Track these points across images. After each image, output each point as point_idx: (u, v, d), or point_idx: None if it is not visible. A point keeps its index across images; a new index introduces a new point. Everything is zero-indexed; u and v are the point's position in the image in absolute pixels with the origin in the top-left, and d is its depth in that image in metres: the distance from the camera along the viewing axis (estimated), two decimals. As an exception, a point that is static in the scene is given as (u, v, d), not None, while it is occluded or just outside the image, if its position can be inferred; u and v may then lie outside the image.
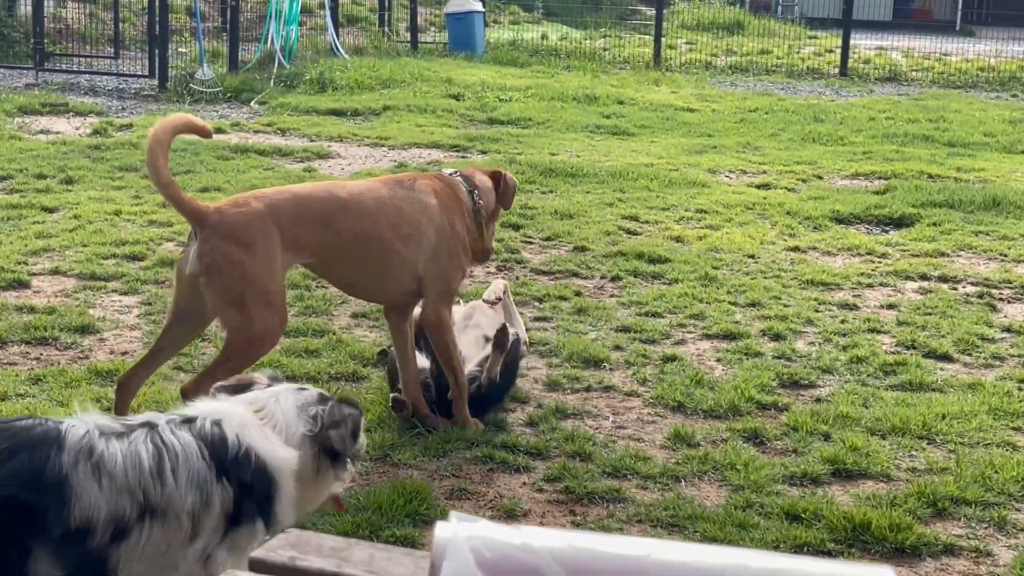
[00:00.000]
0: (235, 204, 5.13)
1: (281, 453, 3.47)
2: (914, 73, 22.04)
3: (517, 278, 8.01)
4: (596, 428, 5.60)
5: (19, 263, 7.74)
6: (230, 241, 4.96)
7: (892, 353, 6.74)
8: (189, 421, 3.44)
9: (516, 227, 9.23)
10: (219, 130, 13.37)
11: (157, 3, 16.72)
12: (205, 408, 3.53)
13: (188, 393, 4.78)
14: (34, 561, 3.18)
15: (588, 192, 10.62)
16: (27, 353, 6.24)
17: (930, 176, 11.79)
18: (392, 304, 5.57)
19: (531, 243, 8.94)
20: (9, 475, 3.16)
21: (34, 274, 7.58)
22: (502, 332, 5.60)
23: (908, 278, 8.33)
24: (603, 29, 25.99)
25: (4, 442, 3.20)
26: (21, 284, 7.35)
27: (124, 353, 6.28)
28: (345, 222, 5.26)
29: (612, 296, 7.71)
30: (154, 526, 3.28)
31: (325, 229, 5.22)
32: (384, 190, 5.44)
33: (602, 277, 8.11)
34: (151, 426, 3.39)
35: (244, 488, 3.39)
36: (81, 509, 3.20)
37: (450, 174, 5.73)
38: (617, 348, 6.67)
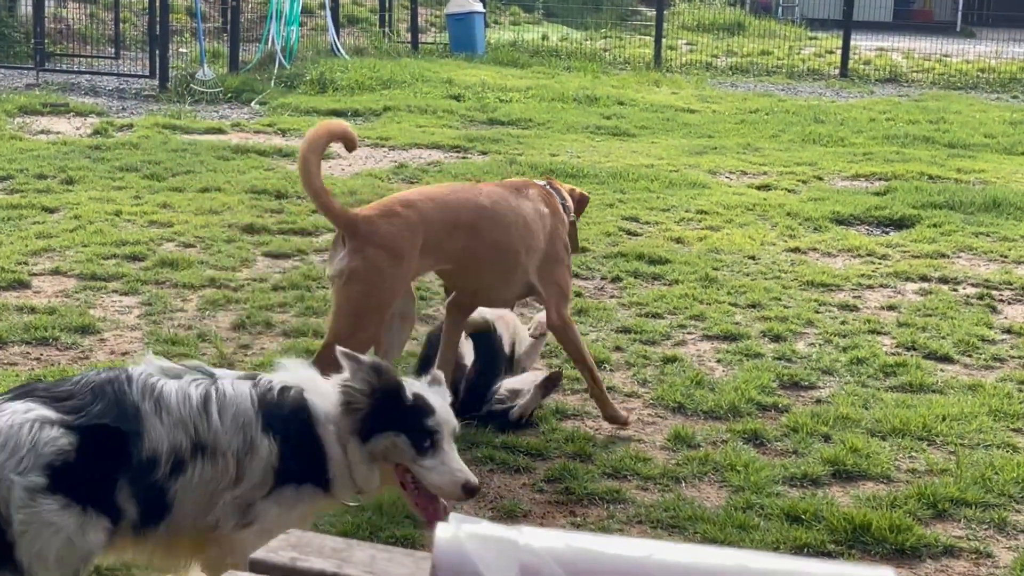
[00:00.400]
0: (385, 213, 5.07)
1: (331, 415, 3.60)
2: (915, 74, 22.04)
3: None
4: (596, 429, 5.60)
5: (20, 263, 7.74)
6: (380, 251, 4.98)
7: (892, 354, 6.74)
8: (252, 377, 3.69)
9: (516, 228, 9.23)
10: (219, 130, 13.39)
11: (158, 3, 16.72)
12: (276, 373, 3.73)
13: None
14: (118, 491, 3.41)
15: (588, 193, 10.60)
16: (27, 353, 6.24)
17: (930, 177, 11.80)
18: (487, 303, 5.64)
19: (531, 244, 8.93)
20: (103, 408, 3.42)
21: (35, 274, 7.58)
22: (553, 378, 5.62)
23: (908, 279, 8.33)
24: (604, 30, 25.99)
25: (89, 384, 3.49)
26: (22, 284, 7.35)
27: (124, 353, 6.29)
28: (486, 231, 5.30)
29: (612, 297, 7.71)
30: (205, 463, 3.51)
31: (469, 238, 5.26)
32: (512, 199, 5.47)
33: (602, 278, 8.12)
34: (210, 375, 3.62)
35: (289, 442, 3.55)
36: (150, 441, 3.46)
37: (543, 185, 5.74)
38: (617, 349, 6.68)
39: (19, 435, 3.32)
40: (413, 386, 3.70)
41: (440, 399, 3.73)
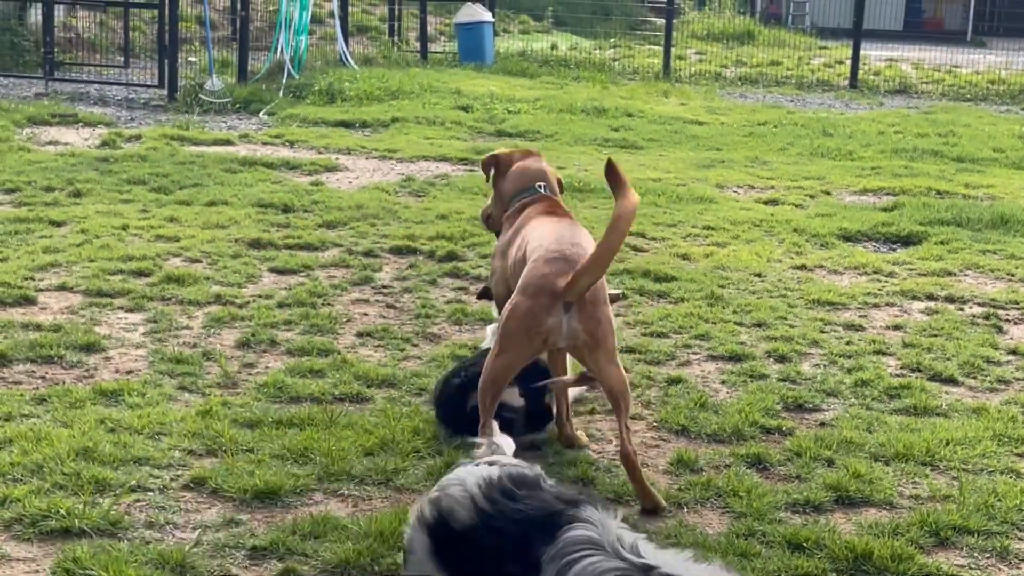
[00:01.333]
0: (584, 272, 5.00)
1: None
2: (924, 85, 22.02)
3: (523, 296, 8.00)
4: (599, 452, 5.60)
5: (26, 279, 7.75)
6: (605, 306, 5.14)
7: (897, 376, 6.72)
8: None
9: (523, 243, 9.22)
10: (227, 142, 13.41)
11: (167, 12, 16.76)
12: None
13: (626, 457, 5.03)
14: None
15: (595, 207, 10.61)
16: (32, 372, 6.25)
17: (938, 192, 11.78)
18: None
19: (537, 260, 8.93)
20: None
21: (41, 290, 7.59)
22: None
23: (915, 298, 8.31)
24: (613, 39, 26.00)
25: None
26: (28, 300, 7.36)
27: (129, 372, 6.29)
28: None
29: (618, 315, 7.69)
30: None
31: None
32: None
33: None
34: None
35: None
36: None
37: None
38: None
39: None
40: None
41: None
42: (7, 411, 5.62)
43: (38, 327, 6.88)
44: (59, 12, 18.78)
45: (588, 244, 5.28)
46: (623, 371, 5.17)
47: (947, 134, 15.80)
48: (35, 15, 18.76)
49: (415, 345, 6.96)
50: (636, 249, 9.28)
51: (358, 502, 4.96)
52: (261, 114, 15.56)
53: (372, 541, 4.54)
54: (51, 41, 17.50)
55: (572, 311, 5.02)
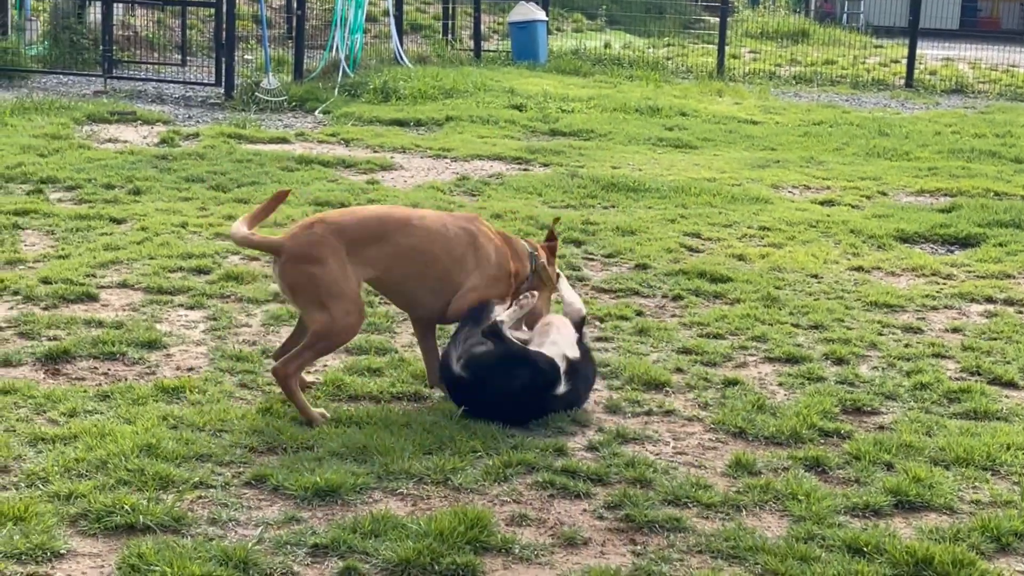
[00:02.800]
0: (302, 226, 5.98)
1: None
2: (981, 85, 21.84)
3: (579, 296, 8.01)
4: (657, 454, 5.60)
5: (88, 276, 7.85)
6: (303, 262, 5.79)
7: (957, 379, 6.68)
8: None
9: (578, 243, 9.25)
10: (283, 140, 13.51)
11: (224, 10, 16.89)
12: None
13: (278, 372, 5.76)
14: None
15: (650, 207, 10.61)
16: (95, 368, 6.33)
17: (996, 194, 11.68)
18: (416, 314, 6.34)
19: (592, 260, 8.95)
20: None
21: (102, 287, 7.68)
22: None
23: (973, 301, 8.25)
24: (666, 38, 25.93)
25: None
26: (90, 297, 7.45)
27: (190, 369, 6.36)
28: (403, 241, 6.02)
29: (673, 316, 7.70)
30: None
31: (386, 248, 5.98)
32: (448, 220, 6.26)
33: (663, 296, 8.11)
34: None
35: None
36: None
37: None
38: (678, 371, 6.67)
39: None
40: None
41: None
42: (71, 407, 5.69)
43: (100, 324, 6.97)
44: (118, 10, 18.97)
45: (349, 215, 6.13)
46: (329, 316, 5.76)
47: (1004, 134, 15.66)
48: (94, 13, 18.95)
49: (472, 344, 6.97)
50: (691, 250, 9.27)
51: (417, 501, 4.99)
52: (317, 112, 15.65)
53: (432, 540, 4.56)
54: (110, 39, 17.69)
55: (276, 264, 5.91)
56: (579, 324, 6.15)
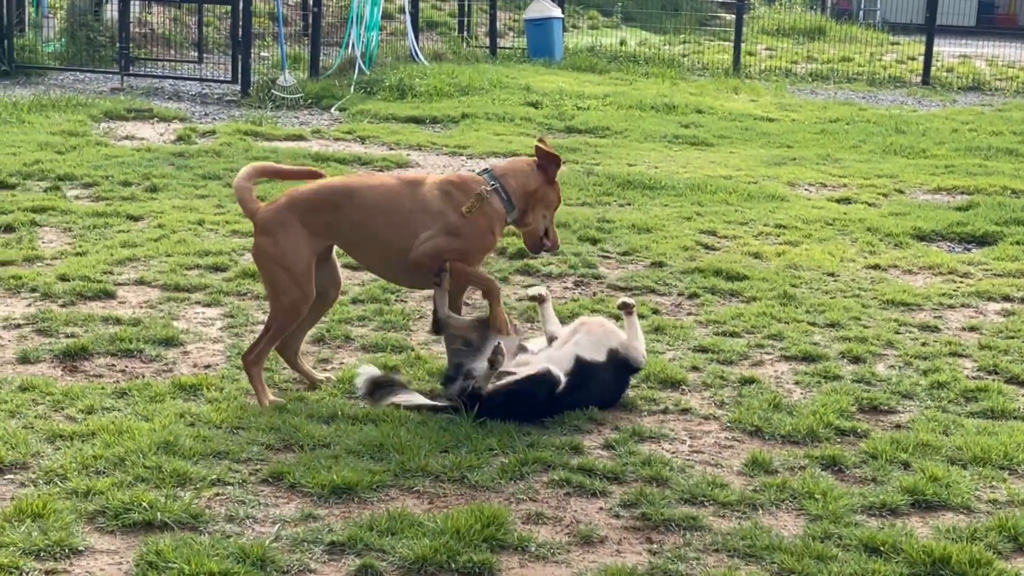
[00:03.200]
0: (270, 203, 6.14)
1: None
2: (998, 82, 21.77)
3: (594, 294, 8.02)
4: (673, 452, 5.60)
5: (105, 273, 7.87)
6: (260, 234, 6.02)
7: (974, 378, 6.66)
8: None
9: (594, 241, 9.24)
10: (299, 137, 13.53)
11: (240, 8, 16.92)
12: None
13: (245, 358, 5.97)
14: None
15: (666, 205, 10.60)
16: (113, 365, 6.35)
17: (1013, 192, 11.64)
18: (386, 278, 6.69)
19: (608, 258, 8.94)
20: None
21: (120, 284, 7.71)
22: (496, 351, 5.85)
23: (991, 299, 8.23)
24: (682, 35, 25.90)
25: None
26: (107, 294, 7.48)
27: (207, 367, 6.38)
28: (350, 210, 6.07)
29: (689, 314, 7.70)
30: None
31: (336, 216, 6.04)
32: (397, 185, 6.22)
33: (679, 294, 8.10)
34: None
35: None
36: None
37: (480, 172, 6.29)
38: (695, 369, 6.66)
39: None
40: None
41: None
42: (89, 404, 5.72)
43: (118, 321, 6.99)
44: (134, 8, 19.02)
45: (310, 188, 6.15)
46: (274, 293, 5.98)
47: (1022, 132, 15.60)
48: (111, 11, 19.01)
49: (488, 342, 6.98)
50: (707, 248, 9.26)
51: (433, 499, 5.00)
52: (333, 110, 15.67)
53: (448, 538, 4.57)
54: (126, 36, 17.74)
55: None
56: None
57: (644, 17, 27.94)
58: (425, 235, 6.01)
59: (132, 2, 18.42)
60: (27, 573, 4.27)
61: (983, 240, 9.85)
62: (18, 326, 6.87)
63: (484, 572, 4.43)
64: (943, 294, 8.24)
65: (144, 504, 4.70)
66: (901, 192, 11.72)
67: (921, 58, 22.10)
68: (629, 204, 10.68)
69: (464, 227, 6.04)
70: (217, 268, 8.12)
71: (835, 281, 8.49)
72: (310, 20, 18.96)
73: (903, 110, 17.83)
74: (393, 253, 6.09)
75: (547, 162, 6.25)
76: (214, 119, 14.72)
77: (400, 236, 6.04)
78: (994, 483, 5.35)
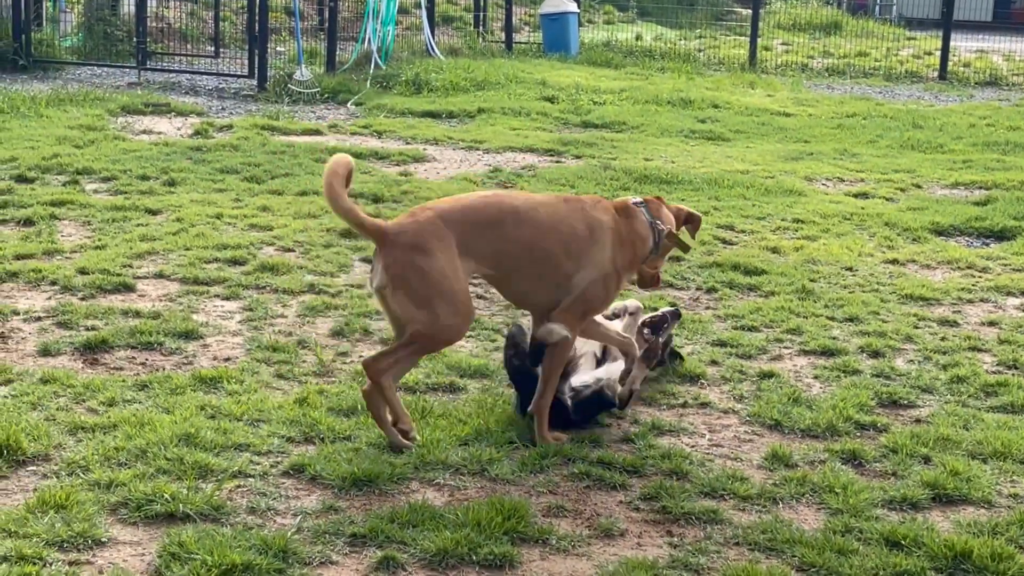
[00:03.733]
0: (408, 214, 5.40)
1: None
2: (1015, 77, 21.69)
3: (612, 288, 8.02)
4: (692, 446, 5.60)
5: (124, 266, 7.90)
6: (410, 250, 5.20)
7: (993, 373, 6.65)
8: None
9: (611, 235, 9.23)
10: (316, 132, 13.54)
11: (257, 2, 16.94)
12: None
13: (368, 367, 5.28)
14: None
15: (683, 200, 10.58)
16: (133, 358, 6.37)
17: (1032, 187, 11.61)
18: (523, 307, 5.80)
19: (626, 252, 8.93)
20: None
21: (139, 277, 7.73)
22: (651, 349, 5.88)
23: (1010, 294, 8.21)
24: (698, 30, 25.87)
25: None
26: (127, 288, 7.50)
27: (227, 360, 6.39)
28: (515, 231, 5.41)
29: (708, 308, 7.70)
30: None
31: (498, 239, 5.39)
32: (560, 206, 5.58)
33: (698, 288, 8.10)
34: None
35: None
36: None
37: (634, 203, 5.76)
38: (713, 363, 6.66)
39: None
40: None
41: None
42: (110, 396, 5.74)
43: (137, 314, 7.02)
44: (151, 2, 19.06)
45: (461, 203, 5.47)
46: (431, 315, 5.20)
47: (1040, 127, 15.55)
48: (128, 6, 19.05)
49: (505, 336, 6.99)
50: (725, 242, 9.25)
51: (454, 491, 5.01)
52: (349, 104, 15.69)
53: (469, 530, 4.58)
54: (143, 31, 17.78)
55: (379, 253, 5.29)
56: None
57: (660, 12, 27.89)
58: (576, 295, 5.49)
59: (149, -3, 18.46)
60: (51, 564, 4.29)
61: (1001, 235, 9.83)
62: (39, 319, 6.90)
63: (505, 565, 4.44)
64: (962, 289, 8.22)
65: (166, 496, 4.72)
66: (919, 187, 11.69)
67: (938, 53, 22.03)
68: (646, 198, 10.66)
69: (623, 261, 5.61)
70: (236, 262, 8.13)
71: (853, 276, 8.48)
72: (326, 15, 18.97)
73: (920, 105, 17.79)
74: (561, 278, 5.47)
75: (690, 221, 6.04)
76: (231, 113, 14.74)
77: (571, 262, 5.47)
78: (1015, 477, 5.35)
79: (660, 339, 6.26)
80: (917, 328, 7.37)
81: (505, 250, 5.38)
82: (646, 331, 6.28)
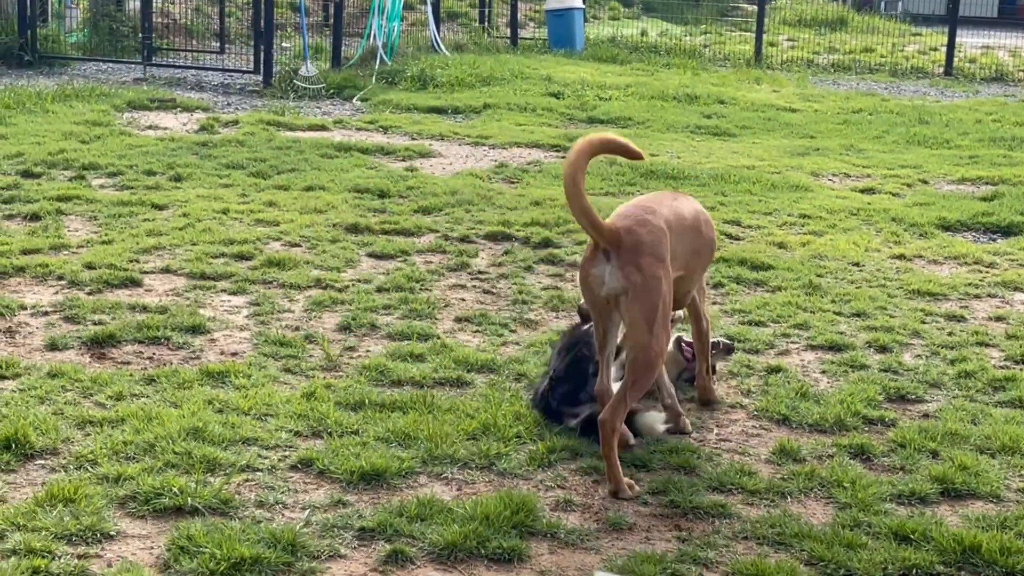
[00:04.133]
0: (640, 223, 5.09)
1: None
2: (1021, 73, 21.67)
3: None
4: (700, 441, 5.60)
5: (131, 261, 7.90)
6: (652, 260, 5.00)
7: (1001, 368, 6.64)
8: None
9: (618, 231, 9.22)
10: (322, 127, 13.54)
11: (262, -1, 16.93)
12: None
13: (606, 424, 4.94)
14: None
15: (690, 195, 10.56)
16: (140, 352, 6.38)
17: (1039, 182, 11.59)
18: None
19: (633, 247, 8.92)
20: None
21: (146, 272, 7.73)
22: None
23: (1017, 289, 8.20)
24: (703, 25, 25.84)
25: None
26: (134, 282, 7.50)
27: (234, 354, 6.40)
28: (703, 234, 5.63)
29: (715, 303, 7.69)
30: None
31: (693, 241, 5.49)
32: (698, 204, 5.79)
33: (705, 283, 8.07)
34: None
35: None
36: None
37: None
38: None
39: None
40: None
41: None
42: (118, 391, 5.74)
43: (144, 308, 7.02)
44: (156, -2, 19.06)
45: (666, 207, 5.33)
46: (657, 340, 4.97)
47: (1046, 123, 15.52)
48: (133, 2, 19.05)
49: (513, 331, 6.99)
50: (732, 237, 9.24)
51: (462, 486, 5.01)
52: (355, 100, 15.68)
53: (478, 524, 4.58)
54: (149, 27, 17.78)
55: (612, 259, 4.99)
56: None
57: (665, 8, 27.85)
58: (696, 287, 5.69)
59: (154, -8, 18.46)
60: (60, 557, 4.29)
61: (1008, 230, 9.81)
62: (46, 313, 6.90)
63: (514, 558, 4.44)
64: (969, 284, 8.21)
65: (174, 489, 4.72)
66: (925, 182, 11.68)
67: (943, 49, 21.99)
68: (652, 194, 10.65)
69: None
70: (242, 256, 8.13)
71: (860, 271, 8.47)
72: (332, 11, 18.95)
73: (926, 101, 17.76)
74: (698, 278, 5.66)
75: None
76: (237, 109, 14.74)
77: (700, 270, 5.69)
78: (1023, 472, 5.34)
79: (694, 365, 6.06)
80: (924, 323, 7.37)
81: (695, 249, 5.51)
82: (685, 347, 6.20)
